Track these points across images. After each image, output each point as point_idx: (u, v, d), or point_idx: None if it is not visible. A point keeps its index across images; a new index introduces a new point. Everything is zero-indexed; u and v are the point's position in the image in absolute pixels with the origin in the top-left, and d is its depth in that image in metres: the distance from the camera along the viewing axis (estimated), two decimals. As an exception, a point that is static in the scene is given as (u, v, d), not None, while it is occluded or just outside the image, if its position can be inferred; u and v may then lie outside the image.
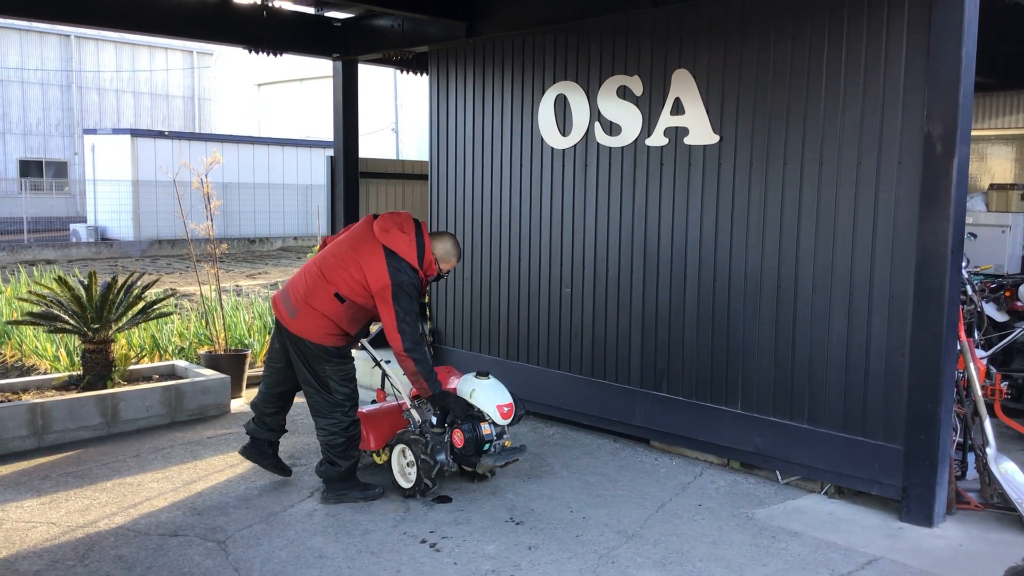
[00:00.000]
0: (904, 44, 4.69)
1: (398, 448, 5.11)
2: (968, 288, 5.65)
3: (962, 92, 4.48)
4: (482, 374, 5.09)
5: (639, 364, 6.04)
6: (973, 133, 5.06)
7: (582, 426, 6.50)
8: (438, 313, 7.55)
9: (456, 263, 5.19)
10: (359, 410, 5.35)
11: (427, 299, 7.66)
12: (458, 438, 4.96)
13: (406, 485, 5.05)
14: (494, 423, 4.98)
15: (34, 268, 17.01)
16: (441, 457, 4.93)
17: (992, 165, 10.03)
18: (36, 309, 6.97)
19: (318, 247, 5.27)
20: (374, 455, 5.34)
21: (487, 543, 4.47)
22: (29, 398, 6.26)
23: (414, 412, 5.24)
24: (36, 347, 8.44)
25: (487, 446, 4.98)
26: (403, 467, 5.10)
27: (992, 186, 8.32)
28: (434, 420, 5.09)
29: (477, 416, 5.00)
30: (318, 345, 4.87)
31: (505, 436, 5.06)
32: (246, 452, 5.32)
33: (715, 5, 5.48)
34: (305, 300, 4.87)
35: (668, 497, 5.15)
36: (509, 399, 5.01)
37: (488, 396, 4.96)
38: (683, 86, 5.65)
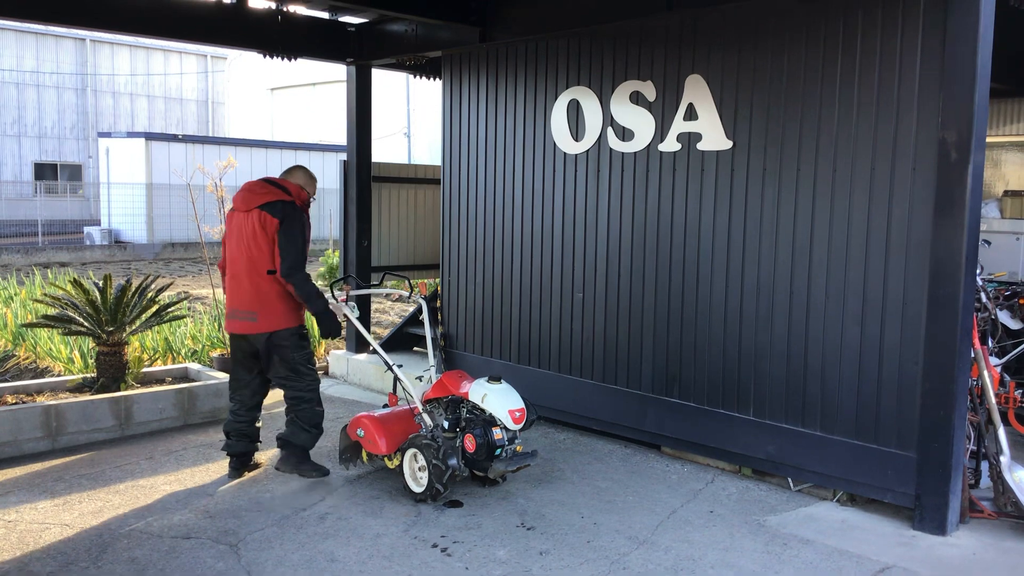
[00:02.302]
0: (919, 49, 4.67)
1: (410, 452, 5.12)
2: (982, 295, 5.62)
3: (977, 98, 4.47)
4: (494, 379, 5.09)
5: (651, 370, 6.03)
6: (988, 139, 5.03)
7: (593, 431, 6.49)
8: (450, 318, 7.56)
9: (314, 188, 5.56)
10: (371, 414, 5.39)
11: (439, 303, 7.67)
12: (470, 443, 4.96)
13: (418, 489, 5.06)
14: (506, 428, 4.98)
15: (48, 270, 17.12)
16: (452, 462, 4.94)
17: (1007, 172, 9.98)
18: (51, 311, 7.01)
19: (220, 273, 5.65)
20: (386, 459, 5.35)
21: (498, 548, 4.47)
22: (43, 400, 6.30)
23: (426, 416, 5.25)
24: (50, 349, 8.49)
25: (498, 451, 4.98)
26: (415, 471, 5.11)
27: (1007, 192, 8.29)
28: (446, 425, 5.10)
29: (489, 421, 5.01)
30: (289, 329, 5.28)
31: (517, 441, 5.06)
32: (237, 472, 5.55)
33: (729, 10, 5.48)
34: (257, 300, 5.24)
35: (679, 503, 5.14)
36: (521, 404, 5.01)
37: (500, 401, 4.96)
38: (696, 91, 5.65)
